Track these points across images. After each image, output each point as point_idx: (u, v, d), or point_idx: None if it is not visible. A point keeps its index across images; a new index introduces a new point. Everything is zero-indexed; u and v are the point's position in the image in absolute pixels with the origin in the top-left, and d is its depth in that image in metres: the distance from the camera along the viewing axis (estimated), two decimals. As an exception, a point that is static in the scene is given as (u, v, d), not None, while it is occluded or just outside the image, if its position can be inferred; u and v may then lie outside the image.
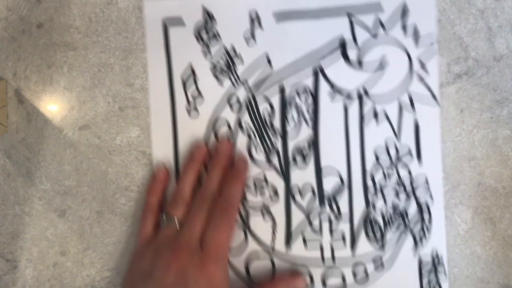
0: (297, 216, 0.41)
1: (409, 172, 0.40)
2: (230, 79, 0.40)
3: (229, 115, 0.41)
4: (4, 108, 0.40)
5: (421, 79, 0.40)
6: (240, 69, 0.40)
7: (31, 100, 0.41)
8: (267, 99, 0.40)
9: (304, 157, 0.41)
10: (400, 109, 0.40)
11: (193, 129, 0.41)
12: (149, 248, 0.37)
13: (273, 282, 0.40)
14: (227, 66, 0.41)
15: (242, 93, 0.41)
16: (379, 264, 0.40)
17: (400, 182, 0.40)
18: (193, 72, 0.41)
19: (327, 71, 0.40)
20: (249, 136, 0.41)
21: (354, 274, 0.40)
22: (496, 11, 0.40)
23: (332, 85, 0.40)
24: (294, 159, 0.41)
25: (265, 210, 0.41)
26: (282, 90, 0.40)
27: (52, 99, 0.41)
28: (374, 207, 0.41)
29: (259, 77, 0.40)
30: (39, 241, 0.41)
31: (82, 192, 0.41)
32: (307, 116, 0.40)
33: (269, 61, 0.40)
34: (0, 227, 0.41)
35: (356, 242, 0.40)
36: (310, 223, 0.41)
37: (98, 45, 0.41)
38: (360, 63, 0.40)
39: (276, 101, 0.41)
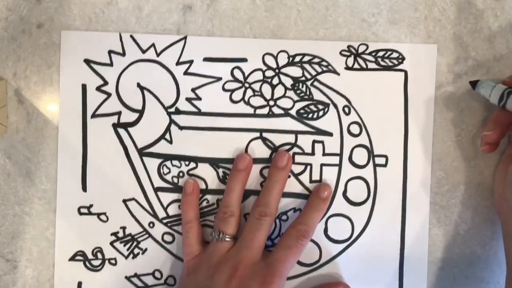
0: None
1: None
2: None
3: None
4: (4, 108, 0.40)
5: None
6: None
7: (31, 100, 0.41)
8: None
9: None
10: None
11: None
12: (202, 264, 0.37)
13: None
14: None
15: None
16: None
17: None
18: None
19: None
20: None
21: None
22: (496, 11, 0.40)
23: None
24: None
25: None
26: None
27: (52, 99, 0.41)
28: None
29: None
30: (39, 241, 0.41)
31: (82, 192, 0.41)
32: None
33: None
34: (0, 227, 0.41)
35: None
36: None
37: (98, 45, 0.40)
38: None
39: None
